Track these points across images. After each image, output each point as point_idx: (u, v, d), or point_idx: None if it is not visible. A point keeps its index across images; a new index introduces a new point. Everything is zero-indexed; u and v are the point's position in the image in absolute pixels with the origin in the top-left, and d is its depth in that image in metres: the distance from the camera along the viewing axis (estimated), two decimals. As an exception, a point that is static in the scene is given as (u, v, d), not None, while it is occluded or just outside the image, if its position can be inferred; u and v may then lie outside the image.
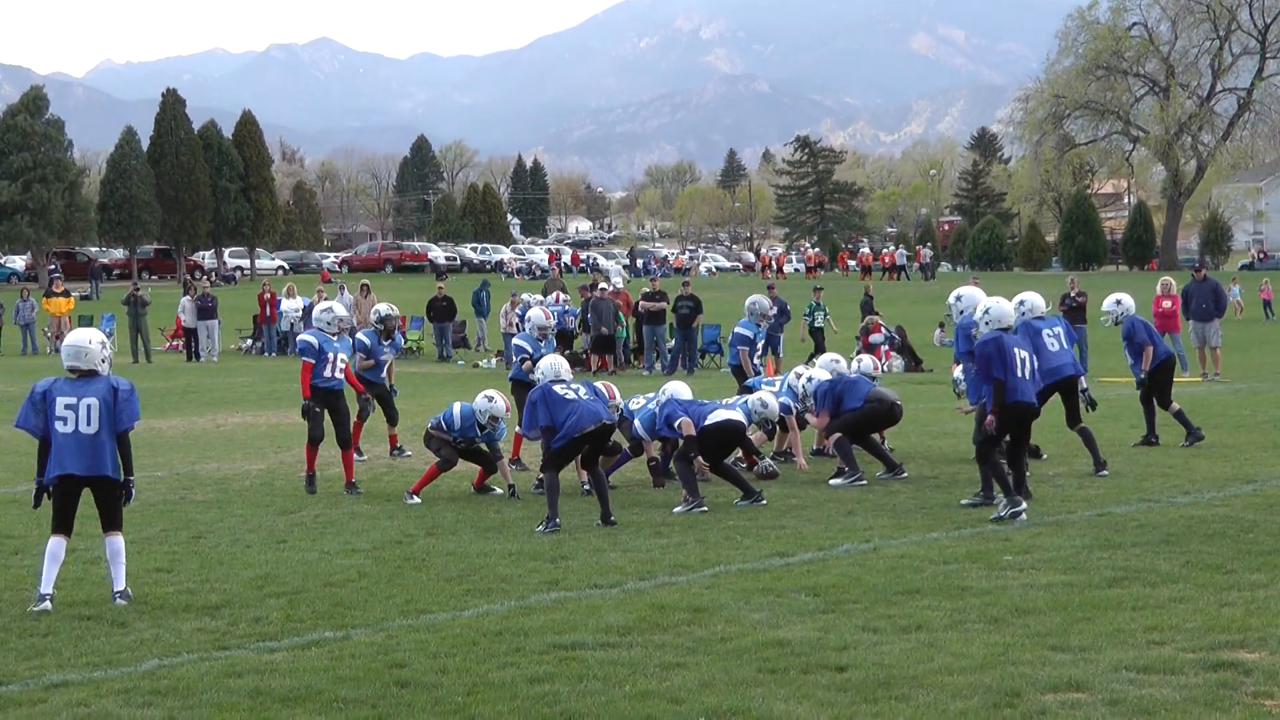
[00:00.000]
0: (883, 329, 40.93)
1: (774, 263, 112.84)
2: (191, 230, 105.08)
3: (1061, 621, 10.92)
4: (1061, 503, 16.78)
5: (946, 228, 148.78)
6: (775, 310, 38.91)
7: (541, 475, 17.13)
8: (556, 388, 16.58)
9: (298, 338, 20.24)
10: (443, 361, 46.57)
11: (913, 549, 14.08)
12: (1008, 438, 16.24)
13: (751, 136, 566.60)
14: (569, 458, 16.79)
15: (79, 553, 15.05)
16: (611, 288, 44.09)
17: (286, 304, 49.14)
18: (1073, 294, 39.47)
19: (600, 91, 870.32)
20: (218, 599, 12.68)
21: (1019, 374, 15.93)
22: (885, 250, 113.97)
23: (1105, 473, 18.82)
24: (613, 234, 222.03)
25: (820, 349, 38.53)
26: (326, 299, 47.89)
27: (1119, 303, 22.13)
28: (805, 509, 16.94)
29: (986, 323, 16.43)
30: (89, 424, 12.56)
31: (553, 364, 17.11)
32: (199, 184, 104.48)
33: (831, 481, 18.92)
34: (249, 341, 52.65)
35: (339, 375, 19.28)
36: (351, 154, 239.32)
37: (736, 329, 23.62)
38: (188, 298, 49.40)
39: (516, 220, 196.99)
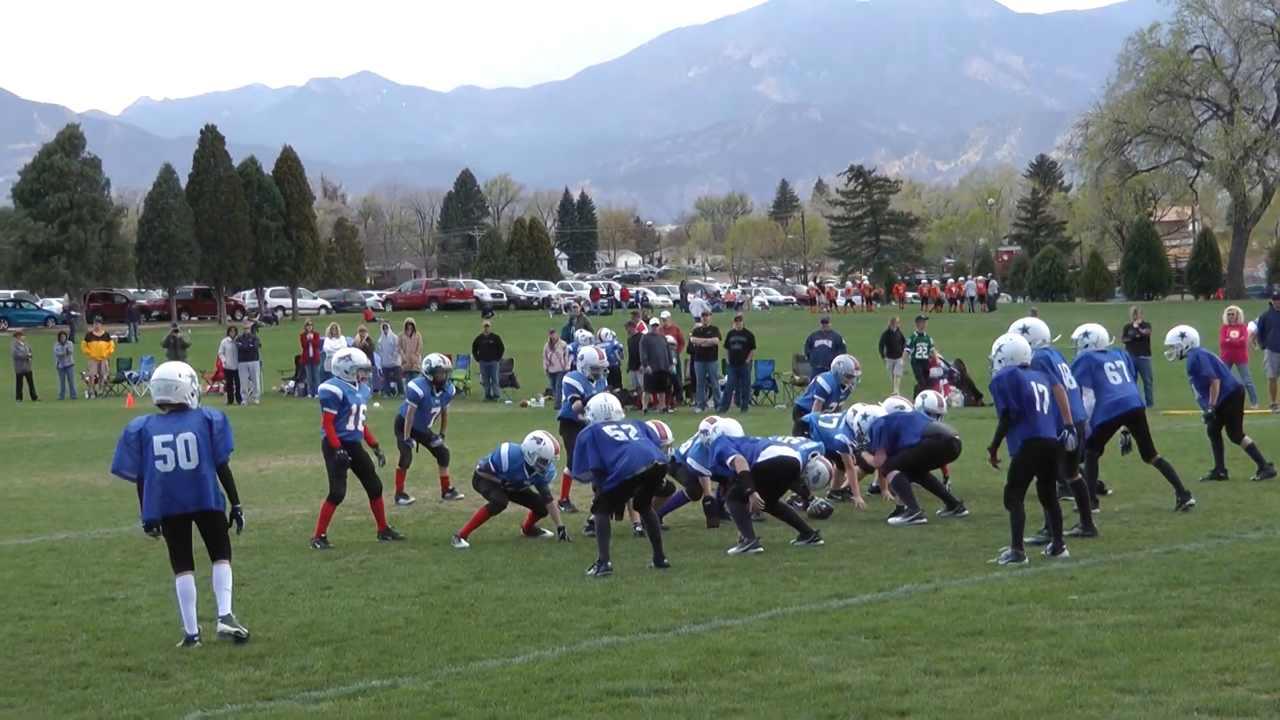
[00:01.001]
0: (941, 362, 40.84)
1: (824, 294, 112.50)
2: (232, 270, 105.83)
3: (1130, 663, 10.85)
4: (1128, 539, 16.69)
5: (1005, 258, 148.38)
6: (831, 345, 39.01)
7: (592, 517, 17.11)
8: (607, 429, 16.58)
9: (320, 387, 20.06)
10: (490, 401, 46.65)
11: (975, 589, 14.02)
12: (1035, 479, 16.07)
13: (804, 167, 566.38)
14: (621, 500, 16.79)
15: (119, 602, 15.16)
16: (661, 323, 44.01)
17: (330, 344, 49.26)
18: (1136, 325, 39.25)
19: (648, 123, 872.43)
20: (261, 648, 12.72)
21: (1037, 409, 15.77)
22: (950, 281, 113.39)
23: (1191, 503, 18.73)
24: (663, 268, 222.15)
25: (924, 382, 38.40)
26: (348, 341, 48.23)
27: (1183, 336, 22.00)
28: (864, 549, 16.89)
29: (1000, 360, 16.21)
30: (189, 459, 12.96)
31: (603, 404, 17.12)
32: (239, 222, 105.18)
33: (891, 520, 18.85)
34: (291, 383, 52.84)
35: (360, 427, 19.05)
36: (394, 189, 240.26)
37: (818, 380, 23.41)
38: (229, 339, 49.64)
39: (564, 255, 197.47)
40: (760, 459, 17.62)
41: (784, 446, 18.09)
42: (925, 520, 18.75)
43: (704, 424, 18.80)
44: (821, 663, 11.33)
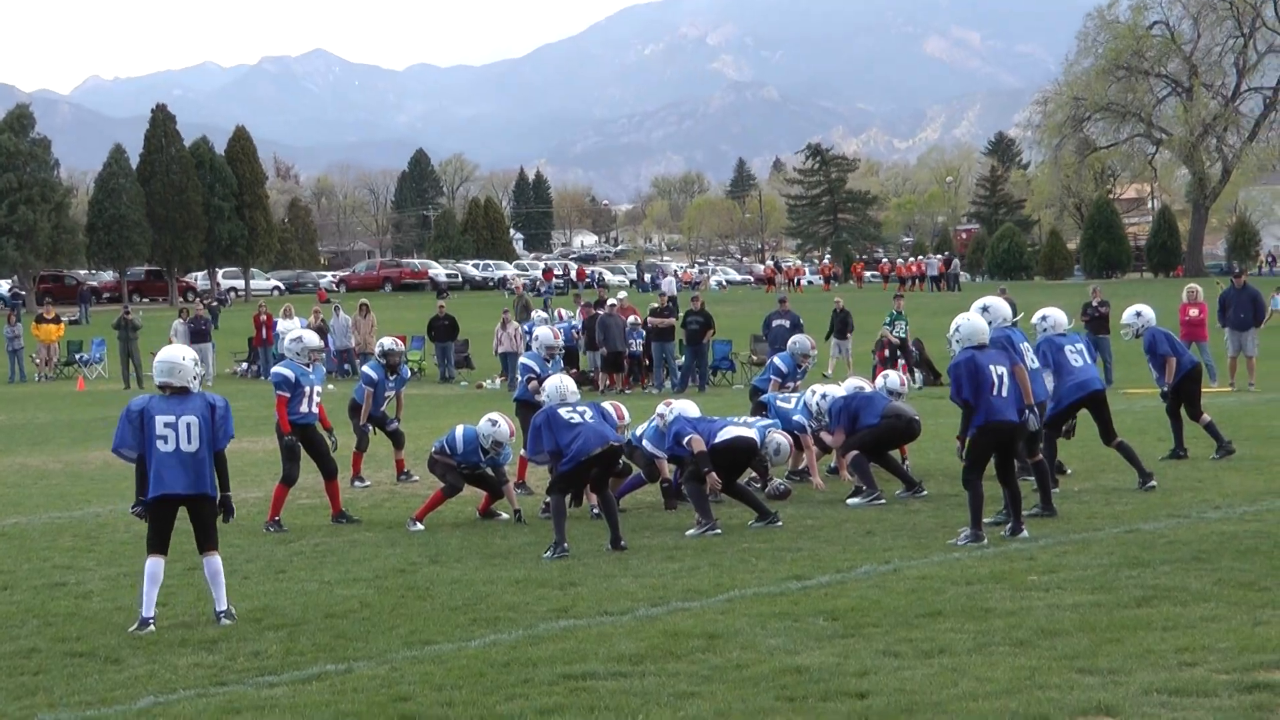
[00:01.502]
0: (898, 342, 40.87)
1: (783, 275, 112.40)
2: (183, 251, 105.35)
3: (1089, 643, 10.88)
4: (1087, 520, 16.75)
5: (964, 236, 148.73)
6: (789, 324, 39.05)
7: (548, 499, 17.10)
8: (561, 410, 16.55)
9: (272, 370, 19.97)
10: (445, 382, 46.60)
11: (934, 570, 14.05)
12: (994, 459, 16.08)
13: (761, 145, 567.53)
14: (577, 481, 16.77)
15: (70, 587, 15.09)
16: (618, 303, 44.01)
17: (283, 325, 49.15)
18: (1095, 303, 39.39)
19: (604, 101, 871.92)
20: (214, 633, 12.67)
21: (994, 392, 15.75)
22: (902, 260, 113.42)
23: (1153, 484, 18.80)
24: (619, 248, 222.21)
25: (891, 361, 38.36)
26: (302, 322, 48.11)
27: (1139, 314, 22.07)
28: (822, 530, 16.92)
29: (958, 340, 16.18)
30: (189, 442, 13.02)
31: (558, 386, 17.09)
32: (191, 203, 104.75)
33: (849, 501, 18.89)
34: (244, 365, 52.70)
35: (315, 410, 18.98)
36: (348, 169, 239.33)
37: (774, 360, 23.32)
38: (180, 320, 49.44)
39: (520, 235, 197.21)
40: (717, 439, 17.63)
41: (741, 426, 18.10)
42: (884, 501, 18.80)
43: (660, 406, 18.78)
44: (780, 645, 11.34)
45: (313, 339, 19.37)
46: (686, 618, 12.45)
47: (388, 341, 22.92)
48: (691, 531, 17.02)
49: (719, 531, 16.90)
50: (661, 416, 18.48)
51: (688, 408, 18.57)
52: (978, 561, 14.40)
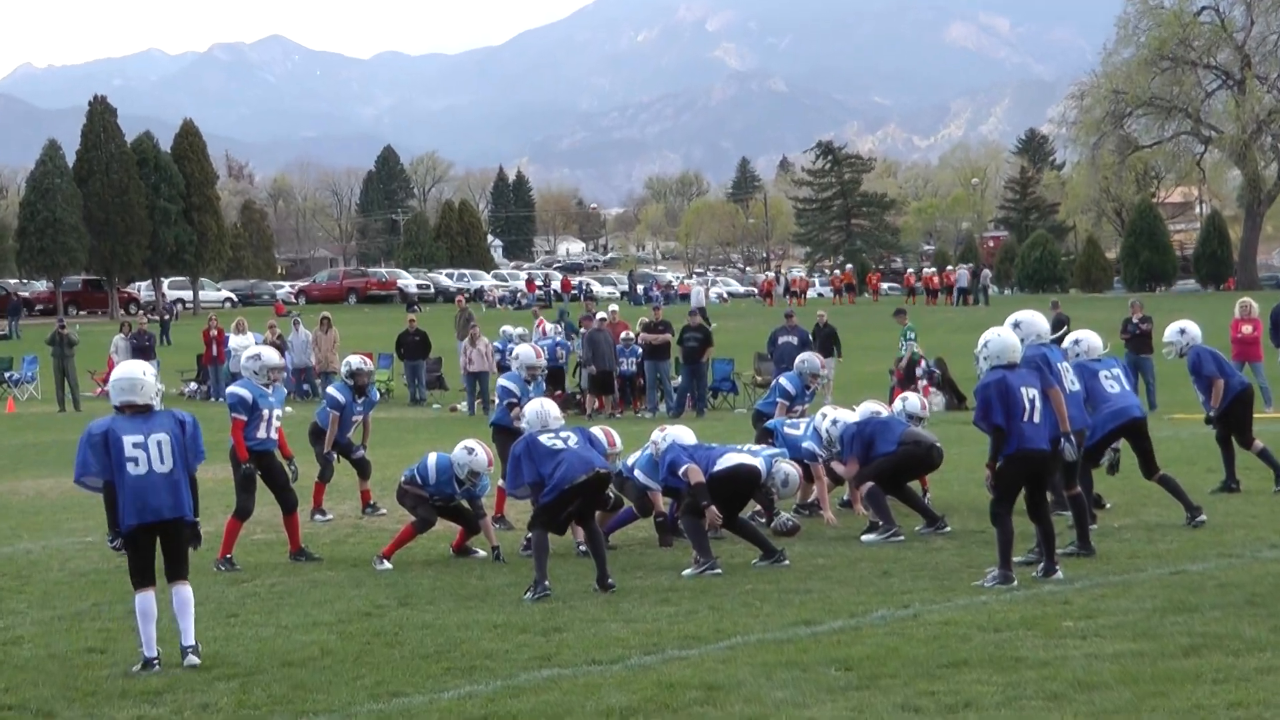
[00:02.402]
0: (922, 362, 40.93)
1: (788, 286, 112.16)
2: (125, 258, 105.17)
3: (1131, 697, 10.89)
4: (1129, 559, 16.76)
5: (991, 244, 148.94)
6: (797, 341, 39.08)
7: (529, 535, 17.08)
8: (543, 438, 16.52)
9: (226, 390, 19.96)
10: (416, 405, 46.58)
11: (958, 615, 14.06)
12: (1024, 492, 16.06)
13: (767, 143, 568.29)
14: (561, 513, 16.72)
15: (-1, 631, 15.06)
16: (609, 317, 43.99)
17: (235, 341, 49.07)
18: (1136, 320, 39.42)
19: (592, 93, 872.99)
20: (159, 683, 12.65)
21: (1026, 418, 15.68)
22: (927, 270, 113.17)
23: (1202, 519, 18.80)
24: (609, 256, 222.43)
25: (919, 382, 38.42)
26: (257, 338, 48.04)
27: (1182, 332, 22.02)
28: (834, 570, 16.92)
29: (986, 359, 16.11)
30: (162, 462, 13.21)
31: (540, 411, 17.06)
32: (133, 205, 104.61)
33: (864, 538, 18.88)
34: (193, 385, 52.66)
35: (274, 435, 18.92)
36: (308, 168, 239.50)
37: (780, 381, 23.25)
38: (121, 335, 49.40)
39: (499, 242, 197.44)
40: (717, 468, 17.62)
41: (743, 454, 18.09)
42: (902, 538, 18.78)
43: (655, 434, 18.78)
44: (787, 697, 11.35)
45: (272, 356, 19.34)
46: (683, 667, 12.45)
47: (355, 360, 22.88)
48: (689, 571, 17.02)
49: (719, 571, 16.90)
50: (655, 444, 18.47)
51: (683, 434, 18.56)
52: (1007, 606, 14.40)
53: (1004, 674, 11.73)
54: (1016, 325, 17.31)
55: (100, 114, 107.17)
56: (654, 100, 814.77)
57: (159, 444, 13.22)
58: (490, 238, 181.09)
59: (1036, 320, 17.67)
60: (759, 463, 17.97)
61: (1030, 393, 15.74)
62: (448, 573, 17.79)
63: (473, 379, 42.87)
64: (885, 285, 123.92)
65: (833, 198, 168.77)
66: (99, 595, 16.90)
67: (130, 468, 13.10)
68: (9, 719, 11.74)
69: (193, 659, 13.10)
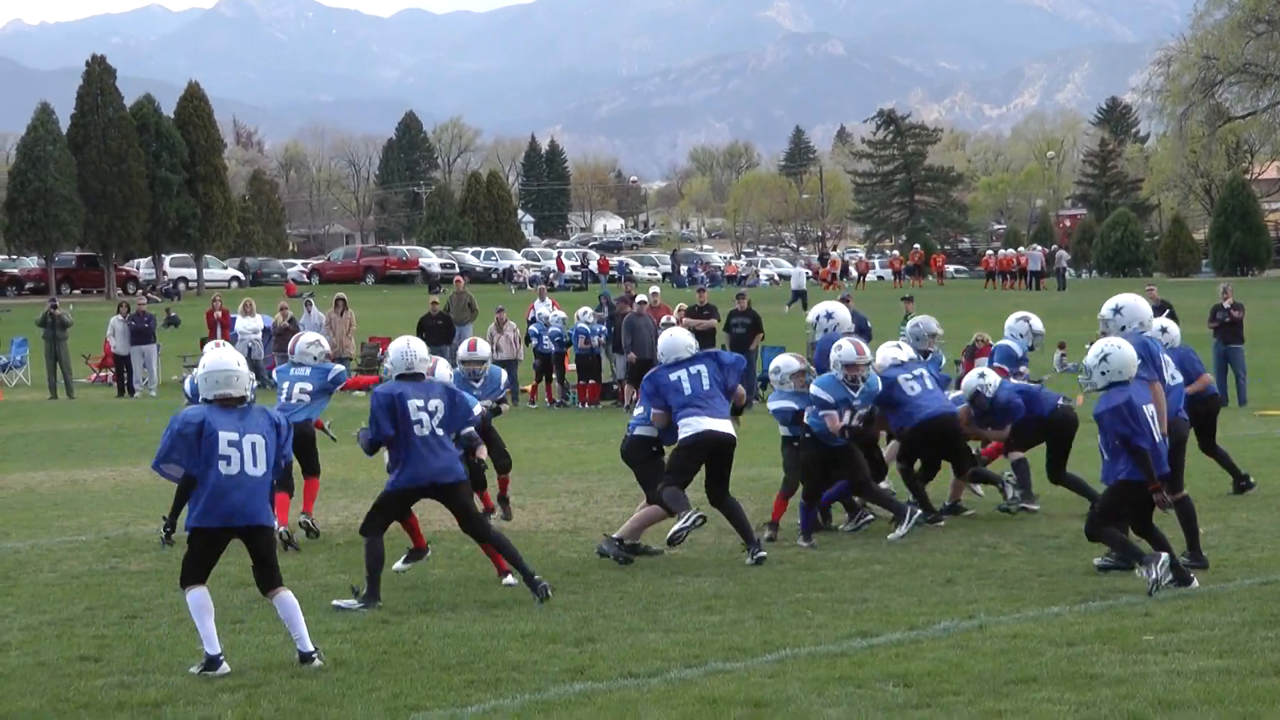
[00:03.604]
0: (993, 350, 40.83)
1: (826, 268, 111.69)
2: (123, 233, 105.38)
3: (1217, 718, 10.89)
4: (1215, 568, 16.71)
5: (1068, 223, 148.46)
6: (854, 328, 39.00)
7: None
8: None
9: (335, 371, 20.52)
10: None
11: (1028, 627, 14.04)
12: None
13: (823, 111, 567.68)
14: (401, 510, 16.66)
15: (-15, 637, 15.12)
16: (649, 301, 43.92)
17: (242, 324, 49.22)
18: (1226, 306, 39.28)
19: (633, 56, 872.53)
20: (157, 694, 12.70)
21: (1154, 437, 15.58)
22: (1005, 252, 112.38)
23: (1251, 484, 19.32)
24: (650, 234, 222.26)
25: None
26: (266, 320, 48.22)
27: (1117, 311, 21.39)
28: (893, 577, 16.89)
29: (1104, 373, 15.81)
30: (255, 465, 13.55)
31: (404, 350, 16.51)
32: (132, 174, 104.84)
33: (1010, 501, 20.05)
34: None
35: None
36: (323, 135, 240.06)
37: (814, 390, 20.12)
38: (119, 317, 49.53)
39: (529, 218, 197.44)
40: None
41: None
42: (1038, 508, 20.05)
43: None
44: (841, 716, 11.36)
45: (313, 340, 20.82)
46: (728, 681, 12.47)
47: (471, 349, 22.17)
48: (897, 533, 18.57)
49: (941, 522, 18.79)
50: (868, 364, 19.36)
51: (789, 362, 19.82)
52: (1081, 618, 14.38)
53: (1078, 692, 11.73)
54: (1117, 311, 17.12)
55: (97, 75, 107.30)
56: (700, 64, 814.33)
57: (254, 445, 13.53)
58: (521, 213, 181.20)
59: (1139, 306, 17.38)
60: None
61: (1149, 410, 15.64)
62: (471, 577, 17.77)
63: (500, 367, 42.82)
64: (951, 268, 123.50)
65: (894, 171, 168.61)
66: (92, 599, 16.95)
67: (222, 466, 13.39)
68: (-4, 732, 11.82)
69: (318, 662, 13.40)
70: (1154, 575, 15.26)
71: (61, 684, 13.04)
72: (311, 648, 13.48)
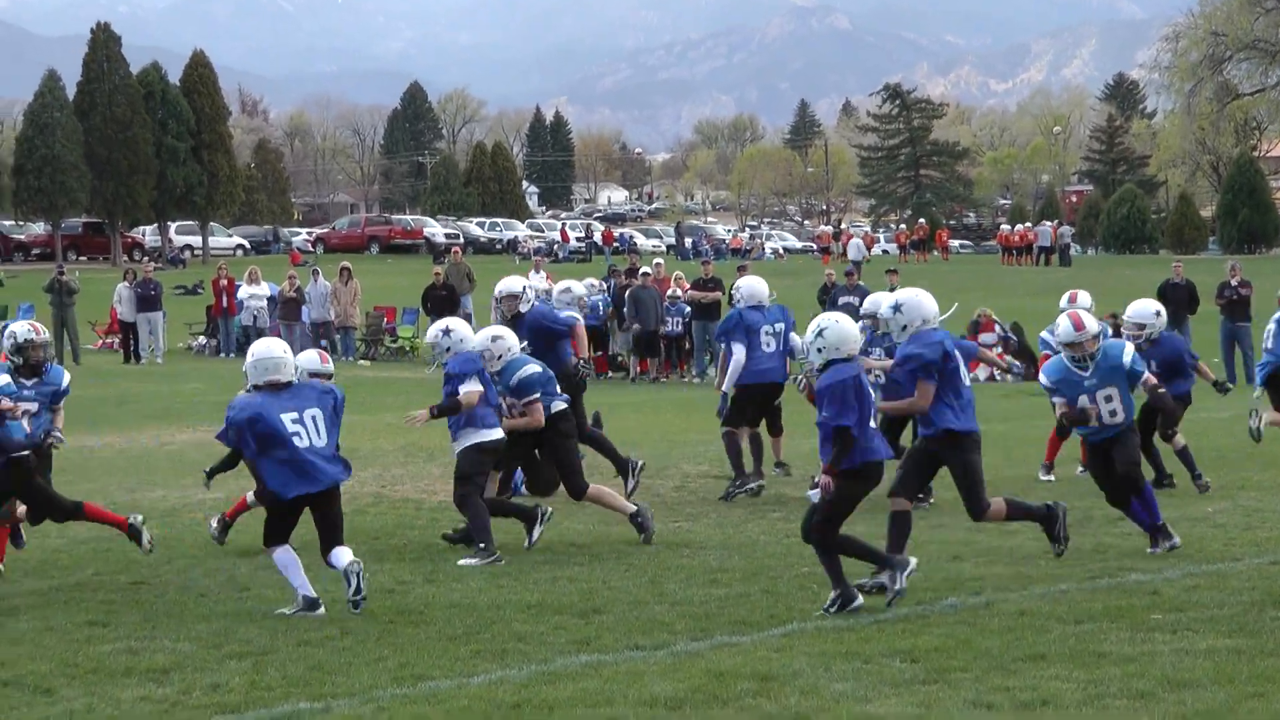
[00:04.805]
0: (996, 326, 40.87)
1: (819, 241, 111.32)
2: (129, 200, 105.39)
3: (1225, 698, 10.88)
4: (1223, 547, 16.71)
5: (1074, 199, 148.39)
6: (859, 302, 38.98)
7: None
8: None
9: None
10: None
11: (1036, 604, 14.03)
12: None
13: (828, 85, 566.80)
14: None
15: (-9, 602, 15.14)
16: (653, 273, 43.92)
17: (247, 291, 49.26)
18: (1234, 283, 39.29)
19: (637, 27, 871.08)
20: (165, 660, 12.71)
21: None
22: (1020, 226, 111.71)
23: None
24: (654, 206, 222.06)
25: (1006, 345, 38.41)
26: (272, 288, 48.24)
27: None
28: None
29: (820, 349, 14.47)
30: (319, 435, 14.53)
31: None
32: (138, 142, 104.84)
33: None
34: (201, 339, 52.83)
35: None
36: (328, 105, 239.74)
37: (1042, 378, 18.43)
38: (125, 284, 49.55)
39: (534, 189, 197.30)
40: None
41: None
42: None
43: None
44: (847, 690, 11.35)
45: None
46: (734, 655, 12.47)
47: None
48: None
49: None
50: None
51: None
52: (1089, 596, 14.36)
53: (1085, 670, 11.72)
54: (897, 309, 15.57)
55: (103, 42, 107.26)
56: (705, 37, 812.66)
57: (314, 418, 14.48)
58: (525, 184, 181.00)
59: (921, 302, 15.60)
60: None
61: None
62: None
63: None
64: (956, 243, 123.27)
65: (900, 146, 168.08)
66: (100, 565, 16.97)
67: (296, 441, 14.29)
68: (5, 695, 11.78)
69: (362, 604, 14.26)
70: (897, 585, 14.41)
71: (70, 649, 13.07)
72: (363, 594, 14.24)
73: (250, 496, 17.55)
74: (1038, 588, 14.78)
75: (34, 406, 17.10)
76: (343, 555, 14.35)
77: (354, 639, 13.33)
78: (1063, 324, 17.08)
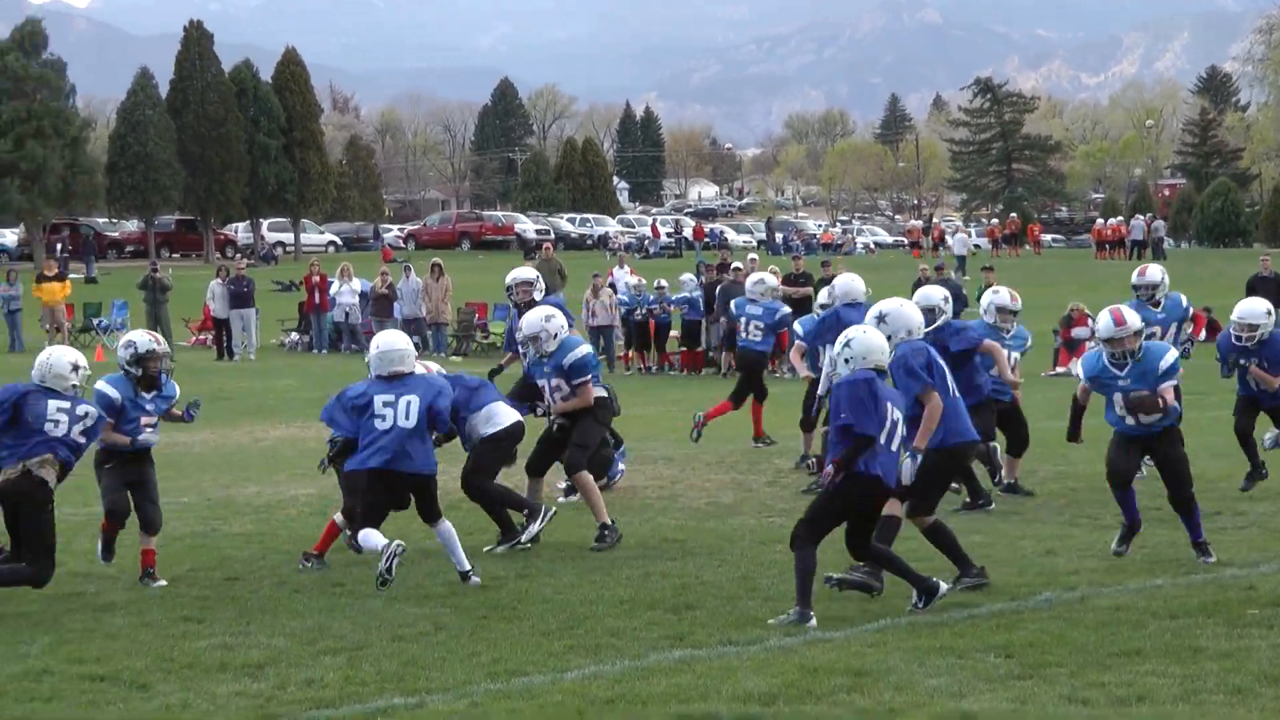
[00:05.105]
0: (1089, 320, 40.62)
1: (908, 236, 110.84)
2: (222, 197, 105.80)
3: (1324, 694, 10.81)
4: (1312, 544, 16.61)
5: (1167, 193, 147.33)
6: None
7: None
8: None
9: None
10: (533, 361, 46.62)
11: (1131, 599, 13.97)
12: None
13: (919, 79, 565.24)
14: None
15: (88, 598, 15.27)
16: (745, 268, 43.86)
17: (339, 288, 49.46)
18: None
19: (726, 23, 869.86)
20: (260, 656, 12.79)
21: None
22: (1113, 221, 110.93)
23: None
24: (745, 201, 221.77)
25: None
26: (364, 284, 48.41)
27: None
28: (993, 548, 16.80)
29: (847, 360, 14.26)
30: (408, 419, 15.30)
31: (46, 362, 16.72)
32: (231, 139, 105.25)
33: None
34: (294, 335, 53.05)
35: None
36: (418, 102, 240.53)
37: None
38: (218, 281, 49.80)
39: (624, 184, 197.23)
40: None
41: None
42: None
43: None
44: (942, 686, 11.33)
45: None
46: (828, 650, 12.46)
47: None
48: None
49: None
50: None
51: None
52: (1185, 591, 14.30)
53: (1182, 665, 11.66)
54: (881, 319, 15.29)
55: (196, 40, 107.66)
56: (794, 32, 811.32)
57: (408, 404, 15.26)
58: (616, 180, 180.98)
59: (905, 313, 15.67)
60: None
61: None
62: (568, 543, 17.78)
63: (596, 334, 42.80)
64: (1048, 237, 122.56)
65: (991, 140, 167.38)
66: (195, 560, 17.08)
67: (377, 424, 15.23)
68: (101, 690, 11.87)
69: (475, 579, 15.39)
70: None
71: (166, 644, 13.16)
72: (469, 566, 15.45)
73: (338, 517, 17.11)
74: (1132, 583, 14.72)
75: (155, 421, 16.71)
76: (443, 529, 15.58)
77: (448, 634, 13.37)
78: (1103, 319, 16.48)
